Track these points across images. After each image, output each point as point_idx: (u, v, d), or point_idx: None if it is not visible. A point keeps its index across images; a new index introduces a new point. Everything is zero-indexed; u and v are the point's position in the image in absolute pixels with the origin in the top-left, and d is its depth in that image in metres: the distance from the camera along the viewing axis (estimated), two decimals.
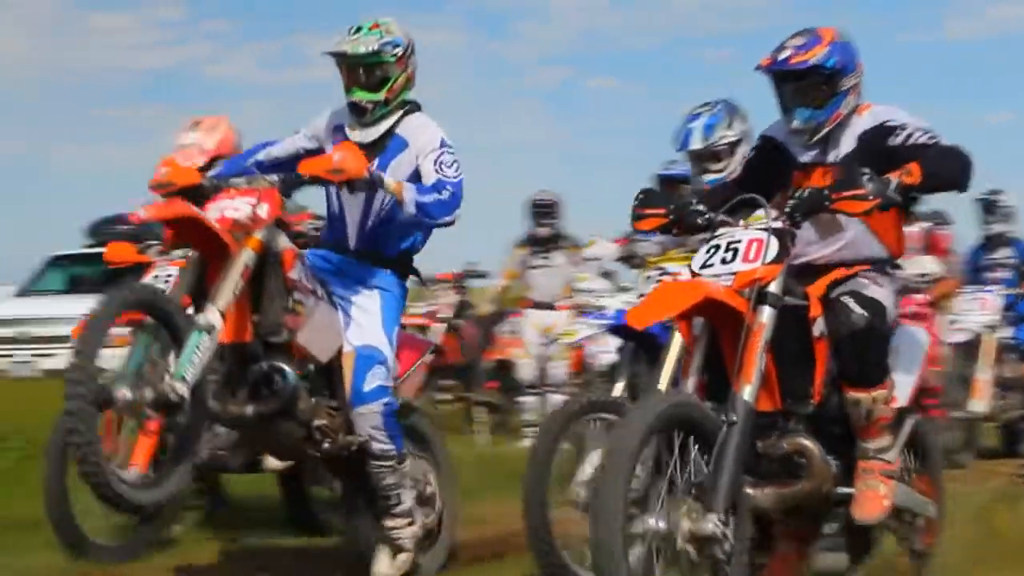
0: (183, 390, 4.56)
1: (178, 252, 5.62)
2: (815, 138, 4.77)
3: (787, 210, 4.54)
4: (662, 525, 4.04)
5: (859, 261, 4.76)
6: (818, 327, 4.55)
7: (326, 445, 5.24)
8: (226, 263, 4.85)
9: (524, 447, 9.14)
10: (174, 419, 4.63)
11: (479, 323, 12.44)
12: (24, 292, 15.91)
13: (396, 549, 5.43)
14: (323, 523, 6.60)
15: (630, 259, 7.54)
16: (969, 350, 10.03)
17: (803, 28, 4.81)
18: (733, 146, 6.39)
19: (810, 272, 4.73)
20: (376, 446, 5.27)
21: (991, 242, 10.67)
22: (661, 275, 6.33)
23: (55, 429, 5.64)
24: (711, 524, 4.04)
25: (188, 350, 4.63)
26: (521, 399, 11.33)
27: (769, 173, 4.89)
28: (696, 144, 6.46)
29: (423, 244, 5.53)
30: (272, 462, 6.11)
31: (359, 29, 5.29)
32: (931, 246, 9.68)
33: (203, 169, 5.75)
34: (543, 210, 11.47)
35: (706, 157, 6.46)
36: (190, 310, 4.92)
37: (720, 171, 6.36)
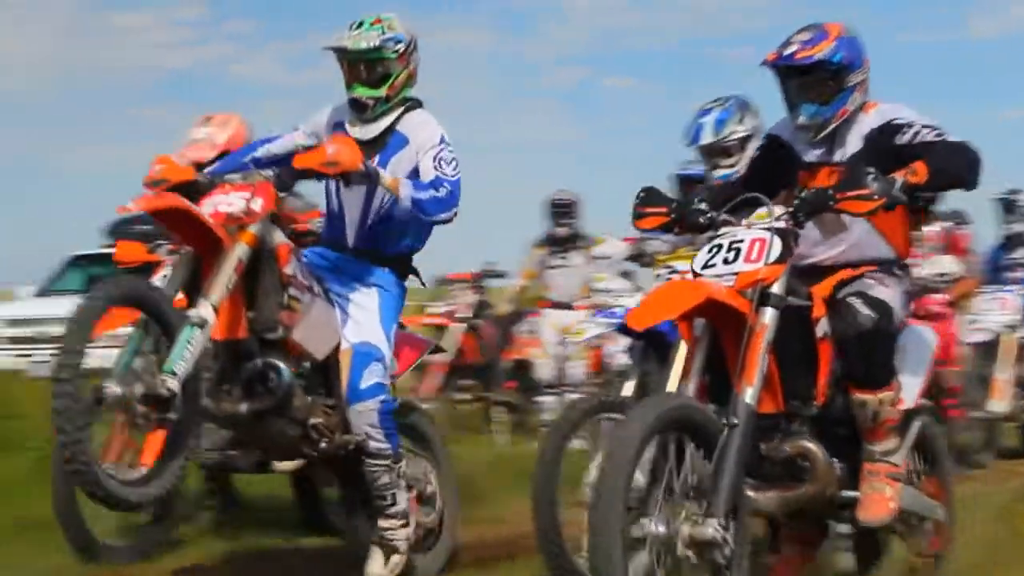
0: (173, 385, 4.50)
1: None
2: (821, 135, 4.72)
3: (791, 210, 4.49)
4: (662, 529, 3.99)
5: (865, 262, 4.70)
6: (822, 328, 4.49)
7: (323, 444, 5.18)
8: (220, 258, 4.78)
9: None
10: (165, 414, 4.54)
11: (497, 323, 12.41)
12: (44, 292, 15.91)
13: (390, 550, 5.36)
14: (335, 524, 6.57)
15: (639, 258, 7.51)
16: (988, 350, 9.97)
17: (809, 23, 4.76)
18: (744, 141, 6.36)
19: (816, 273, 4.67)
20: (372, 444, 5.21)
21: (1011, 242, 10.62)
22: (670, 273, 6.28)
23: None
24: (711, 528, 3.98)
25: (179, 344, 4.57)
26: (539, 399, 11.30)
27: (774, 172, 4.84)
28: (707, 139, 6.45)
29: (423, 243, 5.48)
30: (283, 463, 6.07)
31: (360, 24, 5.24)
32: (950, 246, 9.62)
33: (204, 166, 5.72)
34: (561, 210, 11.48)
35: (717, 152, 6.45)
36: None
37: (731, 166, 6.34)
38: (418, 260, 5.55)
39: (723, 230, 4.54)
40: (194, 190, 5.04)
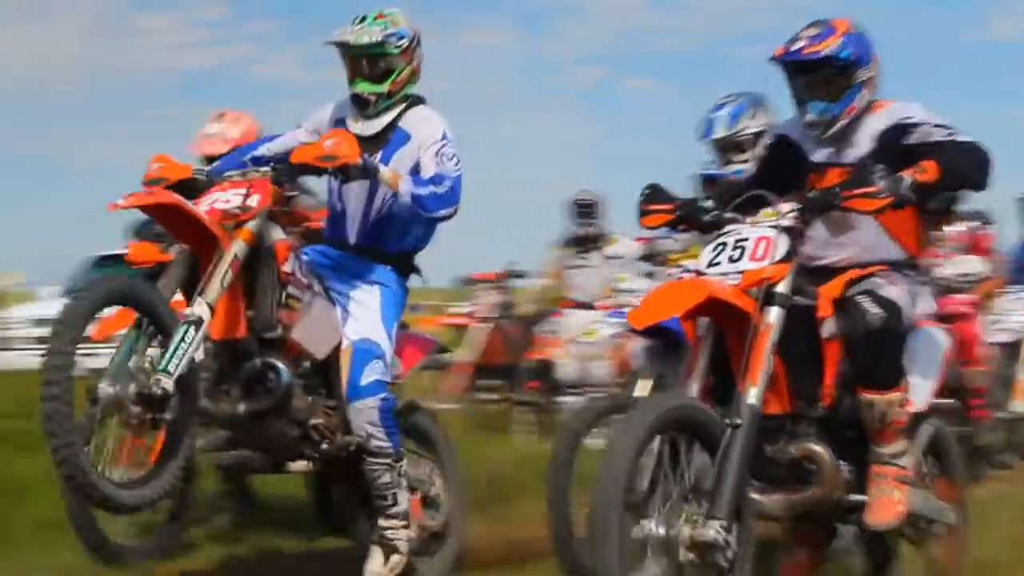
0: (167, 384, 4.39)
1: None
2: (829, 132, 4.66)
3: (797, 208, 4.43)
4: (662, 531, 3.93)
5: (876, 264, 4.64)
6: (828, 328, 4.43)
7: (324, 446, 5.11)
8: (216, 256, 4.68)
9: None
10: (161, 414, 4.43)
11: (520, 323, 12.40)
12: (69, 292, 16.03)
13: (390, 550, 5.28)
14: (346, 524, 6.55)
15: (652, 257, 7.48)
16: (1013, 350, 9.90)
17: (816, 19, 4.71)
18: (757, 137, 6.30)
19: (825, 275, 4.61)
20: (372, 443, 5.13)
21: None
22: (683, 272, 6.25)
23: None
24: (713, 531, 3.92)
25: (174, 343, 4.47)
26: (562, 399, 11.27)
27: (783, 172, 4.77)
28: (720, 133, 6.43)
29: (426, 242, 5.40)
30: (298, 463, 6.05)
31: (363, 19, 5.18)
32: (973, 246, 9.53)
33: (215, 160, 5.68)
34: (583, 210, 11.43)
35: (730, 147, 6.41)
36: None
37: (744, 162, 6.29)
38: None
39: (728, 228, 4.48)
40: (193, 188, 4.97)
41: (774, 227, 4.37)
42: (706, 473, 4.03)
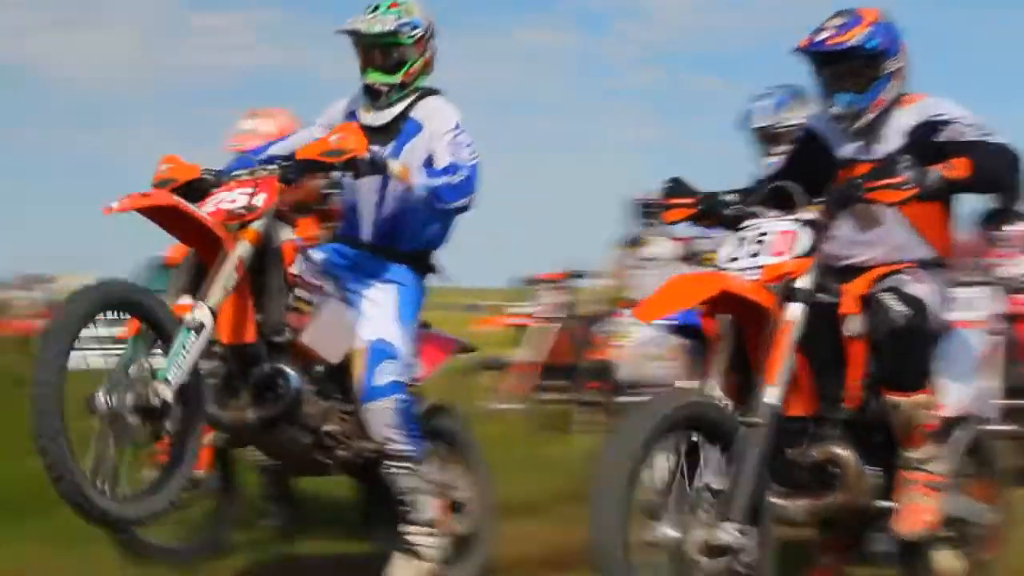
0: (166, 393, 4.22)
1: None
2: (856, 125, 4.53)
3: (821, 200, 4.30)
4: (676, 533, 3.80)
5: (904, 263, 4.51)
6: (851, 326, 4.28)
7: (339, 452, 4.96)
8: (220, 258, 4.53)
9: None
10: (160, 424, 4.25)
11: (581, 323, 12.37)
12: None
13: (414, 557, 5.14)
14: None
15: (690, 258, 7.39)
16: None
17: (843, 8, 4.58)
18: (796, 130, 6.20)
19: (852, 274, 4.49)
20: (391, 446, 4.98)
21: None
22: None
23: None
24: (726, 533, 3.79)
25: (174, 350, 4.31)
26: (621, 399, 11.19)
27: (812, 167, 4.63)
28: (760, 122, 6.42)
29: (443, 239, 5.26)
30: None
31: (376, 8, 5.06)
32: None
33: None
34: (645, 209, 11.37)
35: (769, 138, 6.37)
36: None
37: (782, 154, 6.19)
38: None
39: (750, 222, 4.35)
40: (202, 188, 4.85)
41: (796, 220, 4.24)
42: (720, 473, 3.90)
